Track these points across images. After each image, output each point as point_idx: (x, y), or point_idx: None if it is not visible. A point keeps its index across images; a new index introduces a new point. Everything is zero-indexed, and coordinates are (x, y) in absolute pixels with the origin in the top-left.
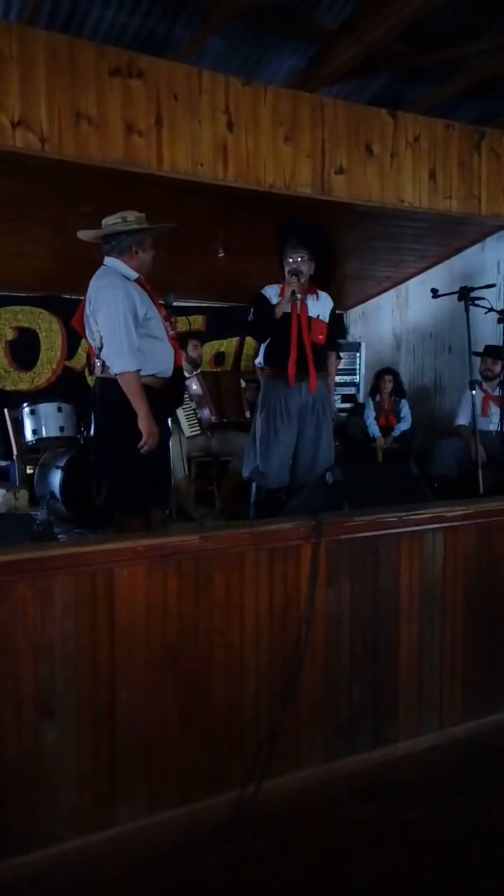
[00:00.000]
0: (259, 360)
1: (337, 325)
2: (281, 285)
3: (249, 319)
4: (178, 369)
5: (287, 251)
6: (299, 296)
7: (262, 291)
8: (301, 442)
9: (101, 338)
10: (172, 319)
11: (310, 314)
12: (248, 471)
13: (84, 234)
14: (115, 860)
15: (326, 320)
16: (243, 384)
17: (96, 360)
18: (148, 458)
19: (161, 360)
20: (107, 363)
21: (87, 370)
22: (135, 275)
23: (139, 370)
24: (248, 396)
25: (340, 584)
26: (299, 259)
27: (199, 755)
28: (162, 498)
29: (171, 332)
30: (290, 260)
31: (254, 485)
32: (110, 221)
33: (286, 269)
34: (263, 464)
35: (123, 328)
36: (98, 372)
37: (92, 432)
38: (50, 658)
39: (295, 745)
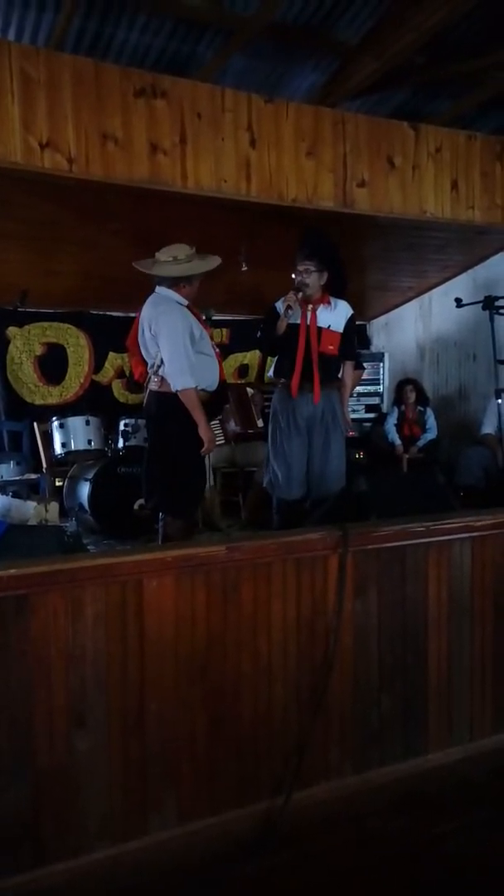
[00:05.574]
0: (270, 372)
1: (353, 335)
2: None
3: (258, 334)
4: (222, 383)
5: (296, 263)
6: (291, 312)
7: (275, 304)
8: (311, 454)
9: (161, 357)
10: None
11: (319, 324)
12: (266, 480)
13: (139, 265)
14: (145, 869)
15: (340, 330)
16: (250, 392)
17: (153, 377)
18: (196, 466)
19: (209, 374)
20: (168, 380)
21: (123, 385)
22: (185, 302)
23: (196, 386)
24: (256, 401)
25: (368, 594)
26: (304, 271)
27: (228, 766)
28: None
29: (217, 350)
30: (297, 272)
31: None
32: (162, 258)
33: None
34: (274, 476)
35: (183, 349)
36: (156, 387)
37: (146, 443)
38: (81, 668)
39: (324, 757)
